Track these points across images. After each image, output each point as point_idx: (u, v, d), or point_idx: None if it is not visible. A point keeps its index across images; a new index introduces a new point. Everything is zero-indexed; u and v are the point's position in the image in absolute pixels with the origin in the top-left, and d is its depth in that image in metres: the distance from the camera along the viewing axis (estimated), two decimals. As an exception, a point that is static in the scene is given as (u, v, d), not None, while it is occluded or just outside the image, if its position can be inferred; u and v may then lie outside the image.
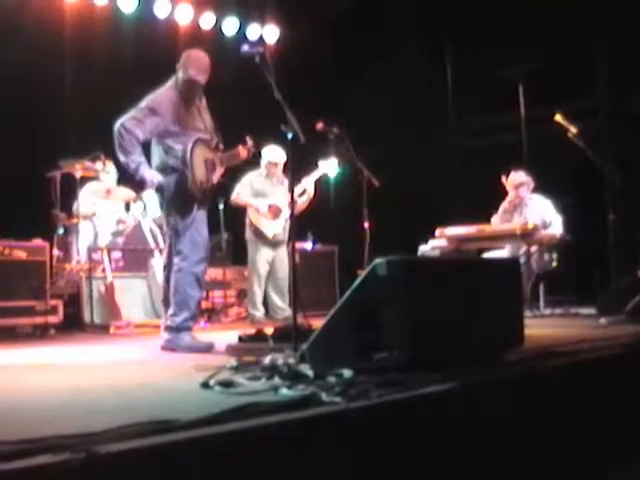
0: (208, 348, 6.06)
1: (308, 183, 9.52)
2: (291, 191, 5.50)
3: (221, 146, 6.67)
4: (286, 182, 9.31)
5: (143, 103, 6.35)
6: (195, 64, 6.45)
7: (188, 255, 6.30)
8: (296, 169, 6.00)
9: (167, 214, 6.45)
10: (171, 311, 6.31)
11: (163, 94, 6.44)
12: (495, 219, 9.74)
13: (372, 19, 12.45)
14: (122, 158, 6.26)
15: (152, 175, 6.27)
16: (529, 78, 12.03)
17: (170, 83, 6.51)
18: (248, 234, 9.62)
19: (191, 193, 6.30)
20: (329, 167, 9.42)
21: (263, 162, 9.53)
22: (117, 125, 6.21)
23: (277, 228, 9.44)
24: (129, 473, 2.33)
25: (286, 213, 9.37)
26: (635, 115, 10.69)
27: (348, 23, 12.31)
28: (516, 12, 11.63)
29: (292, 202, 5.37)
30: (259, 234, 9.48)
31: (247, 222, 9.61)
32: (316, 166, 9.45)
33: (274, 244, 9.51)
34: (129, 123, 6.21)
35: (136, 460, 2.36)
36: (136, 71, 10.25)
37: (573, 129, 8.63)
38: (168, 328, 6.30)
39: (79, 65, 10.54)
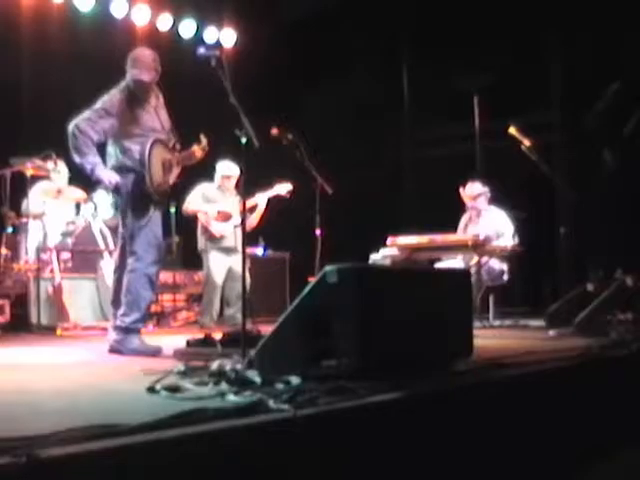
0: (155, 352, 6.03)
1: (260, 199, 9.54)
2: (242, 195, 5.48)
3: (178, 146, 6.64)
4: (238, 196, 9.34)
5: (97, 104, 6.29)
6: (139, 63, 6.44)
7: (143, 256, 6.27)
8: (251, 182, 6.01)
9: (123, 214, 6.40)
10: (122, 311, 6.25)
11: (117, 95, 6.38)
12: (458, 233, 9.83)
13: (330, 27, 12.46)
14: (77, 159, 6.20)
15: (109, 175, 6.23)
16: (484, 91, 12.11)
17: (123, 84, 6.47)
18: (201, 243, 9.58)
19: (148, 194, 6.27)
20: (283, 190, 9.46)
21: (217, 176, 9.53)
22: (71, 126, 6.16)
23: (226, 231, 9.42)
24: (71, 478, 2.30)
25: (235, 219, 9.37)
26: (587, 130, 10.78)
27: (305, 30, 12.31)
28: (472, 26, 11.71)
29: (244, 207, 5.33)
30: (211, 239, 9.44)
31: (199, 231, 9.57)
32: (271, 185, 9.48)
33: (227, 251, 9.48)
34: (83, 124, 6.16)
35: (79, 464, 2.33)
36: (91, 70, 10.14)
37: (526, 142, 8.69)
38: (117, 328, 6.24)
39: (34, 63, 10.44)
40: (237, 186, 9.45)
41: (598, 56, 10.70)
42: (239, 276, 9.40)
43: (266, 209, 9.65)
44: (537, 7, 11.32)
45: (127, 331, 6.19)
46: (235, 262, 9.42)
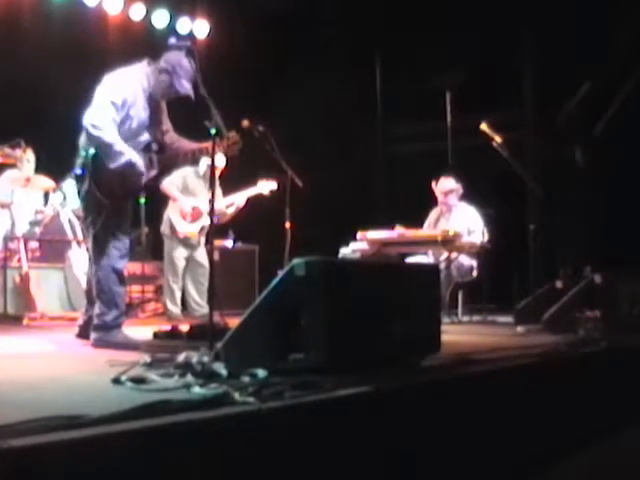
0: (139, 345, 5.79)
1: (240, 197, 9.52)
2: (212, 186, 5.43)
3: (155, 147, 6.29)
4: (219, 189, 9.25)
5: (118, 94, 5.96)
6: (188, 75, 6.06)
7: (109, 253, 6.04)
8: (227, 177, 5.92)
9: (85, 211, 6.24)
10: (98, 311, 6.03)
11: (135, 84, 6.08)
12: (427, 227, 9.84)
13: (303, 21, 12.44)
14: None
15: None
16: (457, 88, 12.12)
17: (143, 70, 6.16)
18: (164, 228, 9.58)
19: (99, 199, 5.97)
20: (266, 188, 9.41)
21: (202, 163, 9.41)
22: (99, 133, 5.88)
23: (191, 232, 9.41)
24: (34, 468, 2.28)
25: (205, 220, 9.36)
26: (558, 128, 10.84)
27: (279, 24, 12.28)
28: (445, 22, 11.73)
29: (212, 196, 5.29)
30: (174, 231, 9.44)
31: (165, 216, 9.55)
32: (254, 183, 9.45)
33: (190, 246, 9.49)
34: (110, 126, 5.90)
35: (41, 455, 2.31)
36: (62, 58, 10.06)
37: (498, 138, 8.71)
38: (97, 327, 6.02)
39: (2, 50, 10.32)
40: (221, 176, 9.28)
41: (570, 55, 10.74)
42: (200, 265, 9.44)
43: (244, 206, 9.65)
44: (510, 4, 11.34)
45: (109, 328, 6.00)
46: (198, 251, 9.46)
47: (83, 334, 6.23)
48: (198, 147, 6.52)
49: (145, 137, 6.21)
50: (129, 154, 5.94)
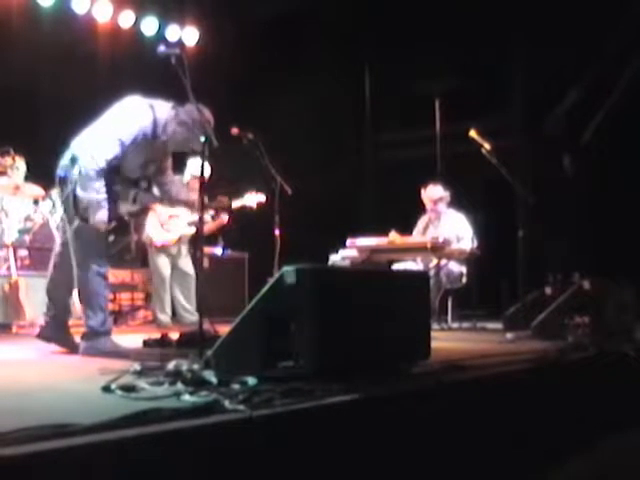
0: (131, 352, 5.76)
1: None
2: (201, 194, 5.41)
3: (143, 185, 6.27)
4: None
5: (119, 133, 5.89)
6: (202, 130, 5.67)
7: (91, 256, 6.01)
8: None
9: (65, 213, 6.13)
10: (83, 316, 6.01)
11: (149, 123, 6.02)
12: (416, 234, 9.84)
13: (292, 28, 12.45)
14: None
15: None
16: (446, 95, 12.15)
17: (165, 113, 6.11)
18: (145, 236, 9.55)
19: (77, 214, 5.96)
20: (253, 200, 9.38)
21: (187, 173, 9.38)
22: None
23: (169, 241, 9.41)
24: (23, 478, 2.27)
25: (184, 229, 9.37)
26: (547, 134, 10.86)
27: (268, 31, 12.29)
28: (434, 29, 11.75)
29: (201, 205, 5.29)
30: (151, 240, 9.44)
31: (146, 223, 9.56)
32: (241, 194, 9.44)
33: (171, 255, 9.48)
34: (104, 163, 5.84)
35: (30, 465, 2.30)
36: (52, 66, 10.05)
37: (487, 145, 8.71)
38: (86, 335, 5.97)
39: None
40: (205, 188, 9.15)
41: (559, 62, 10.76)
42: (184, 273, 9.43)
43: (229, 218, 9.64)
44: (499, 10, 11.37)
45: (98, 335, 5.94)
46: (181, 262, 9.45)
47: (43, 334, 6.23)
48: (186, 201, 6.55)
49: (136, 173, 6.18)
50: (101, 195, 5.89)
